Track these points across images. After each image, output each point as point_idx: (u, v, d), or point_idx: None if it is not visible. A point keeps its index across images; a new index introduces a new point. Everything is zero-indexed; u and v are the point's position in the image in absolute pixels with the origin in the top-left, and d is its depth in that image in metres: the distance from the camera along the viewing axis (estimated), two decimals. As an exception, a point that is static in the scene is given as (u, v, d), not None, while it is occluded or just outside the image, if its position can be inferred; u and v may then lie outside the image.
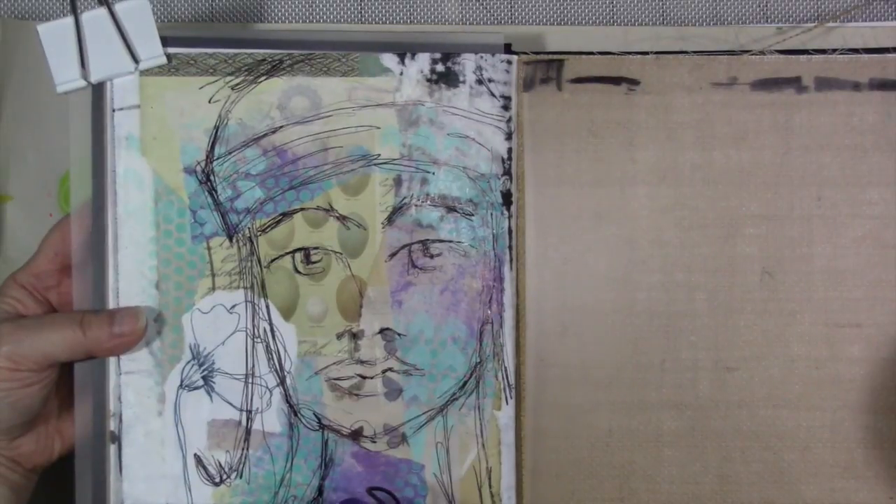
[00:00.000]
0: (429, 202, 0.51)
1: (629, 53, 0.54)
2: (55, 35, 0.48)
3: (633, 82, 0.53)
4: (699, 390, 0.53)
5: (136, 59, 0.49)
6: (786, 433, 0.53)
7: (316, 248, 0.50)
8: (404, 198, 0.51)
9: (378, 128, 0.51)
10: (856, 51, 0.54)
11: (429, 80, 0.51)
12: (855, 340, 0.53)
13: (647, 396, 0.53)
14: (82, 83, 0.48)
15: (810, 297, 0.53)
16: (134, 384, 0.49)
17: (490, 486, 0.51)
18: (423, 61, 0.51)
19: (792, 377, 0.53)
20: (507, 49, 0.52)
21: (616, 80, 0.53)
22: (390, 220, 0.51)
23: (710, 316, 0.53)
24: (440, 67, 0.51)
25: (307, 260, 0.51)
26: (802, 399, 0.53)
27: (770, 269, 0.53)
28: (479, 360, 0.51)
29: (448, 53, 0.52)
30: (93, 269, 0.49)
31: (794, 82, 0.53)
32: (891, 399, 0.53)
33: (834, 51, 0.54)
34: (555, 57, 0.53)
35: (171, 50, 0.50)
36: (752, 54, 0.54)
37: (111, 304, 0.49)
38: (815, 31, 0.55)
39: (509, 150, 0.51)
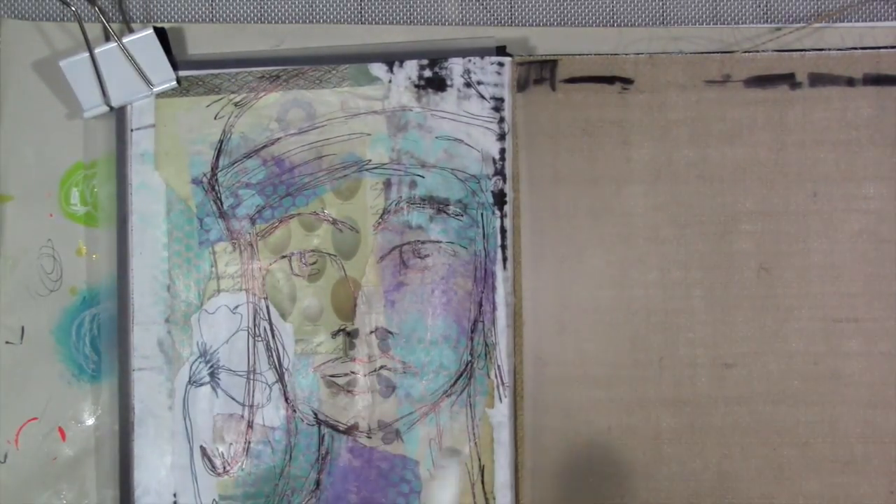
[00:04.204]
0: (418, 204, 0.59)
1: (623, 55, 0.59)
2: (76, 68, 0.58)
3: (627, 81, 0.59)
4: (698, 387, 0.58)
5: (150, 84, 0.59)
6: (785, 429, 0.58)
7: (311, 250, 0.59)
8: (394, 201, 0.58)
9: (369, 134, 0.58)
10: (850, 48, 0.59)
11: (416, 86, 0.58)
12: (853, 335, 0.58)
13: (645, 394, 0.58)
14: (105, 108, 0.59)
15: (807, 292, 0.58)
16: (146, 380, 0.58)
17: (483, 484, 0.57)
18: (410, 68, 0.59)
19: (790, 373, 0.58)
20: (501, 51, 0.59)
21: (610, 80, 0.59)
22: (381, 222, 0.58)
23: (708, 312, 0.58)
24: (427, 73, 0.59)
25: (303, 262, 0.59)
26: (801, 394, 0.58)
27: (767, 265, 0.58)
28: (470, 359, 0.57)
29: (435, 59, 0.59)
30: (118, 273, 0.59)
31: (788, 78, 0.59)
32: (889, 393, 0.58)
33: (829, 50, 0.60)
34: (548, 57, 0.59)
35: (181, 73, 0.59)
36: (745, 52, 0.60)
37: (129, 307, 0.59)
38: (810, 30, 0.60)
39: (501, 151, 0.58)
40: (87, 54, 0.58)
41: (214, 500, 0.58)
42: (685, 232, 0.59)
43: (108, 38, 0.59)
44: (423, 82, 0.59)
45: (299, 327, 0.58)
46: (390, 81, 0.59)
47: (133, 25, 0.61)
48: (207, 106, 0.59)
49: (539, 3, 0.63)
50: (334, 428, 0.58)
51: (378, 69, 0.59)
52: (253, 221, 0.59)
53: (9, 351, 0.60)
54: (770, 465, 0.58)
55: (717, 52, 0.60)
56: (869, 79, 0.59)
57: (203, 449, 0.58)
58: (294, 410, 0.58)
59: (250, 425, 0.58)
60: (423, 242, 0.58)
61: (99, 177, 0.61)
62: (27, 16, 0.63)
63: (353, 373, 0.58)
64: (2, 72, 0.61)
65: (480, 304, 0.58)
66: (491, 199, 0.58)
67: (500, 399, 0.57)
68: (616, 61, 0.60)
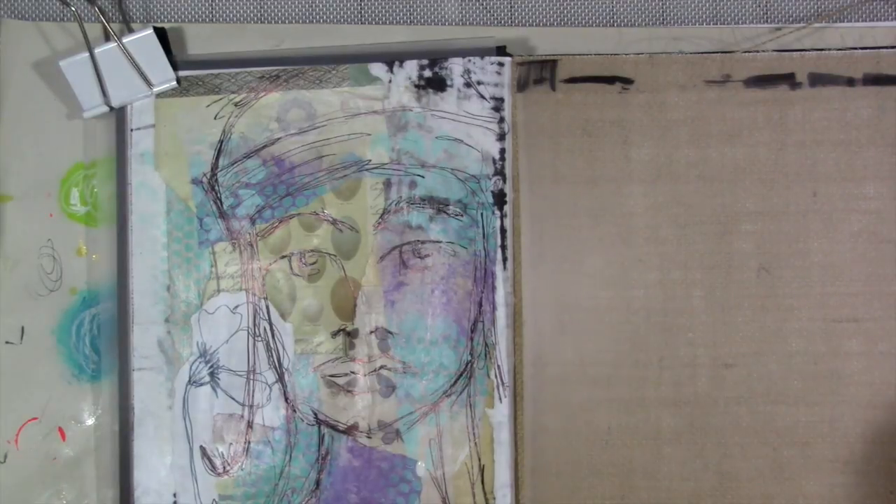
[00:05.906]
0: (418, 204, 0.59)
1: (623, 55, 0.60)
2: (76, 68, 0.59)
3: (627, 81, 0.59)
4: (698, 387, 0.58)
5: (150, 84, 0.59)
6: (785, 429, 0.58)
7: (311, 250, 0.59)
8: (394, 201, 0.58)
9: (368, 134, 0.59)
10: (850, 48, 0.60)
11: (417, 86, 0.59)
12: (853, 335, 0.58)
13: (645, 394, 0.58)
14: (105, 109, 0.59)
15: (807, 292, 0.58)
16: (146, 380, 0.58)
17: (483, 484, 0.57)
18: (410, 68, 0.59)
19: (790, 373, 0.58)
20: (501, 51, 0.59)
21: (610, 80, 0.59)
22: (381, 222, 0.59)
23: (708, 313, 0.59)
24: (427, 73, 0.59)
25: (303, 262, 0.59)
26: (801, 394, 0.58)
27: (767, 265, 0.59)
28: (470, 359, 0.58)
29: (435, 58, 0.59)
30: (118, 273, 0.59)
31: (788, 78, 0.59)
32: (890, 393, 0.58)
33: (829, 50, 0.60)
34: (548, 57, 0.60)
35: (181, 73, 0.60)
36: (745, 52, 0.60)
37: (129, 307, 0.59)
38: (810, 30, 0.61)
39: (501, 151, 0.58)
40: (87, 54, 0.58)
41: (214, 500, 0.58)
42: (685, 232, 0.59)
43: (108, 38, 0.59)
44: (423, 82, 0.59)
45: (299, 327, 0.59)
46: (390, 81, 0.59)
47: (133, 25, 0.61)
48: (207, 106, 0.60)
49: (539, 3, 0.63)
50: (334, 428, 0.58)
51: (378, 69, 0.59)
52: (253, 221, 0.59)
53: (9, 351, 0.60)
54: (770, 466, 0.58)
55: (717, 52, 0.60)
56: (869, 79, 0.59)
57: (203, 449, 0.58)
58: (294, 410, 0.58)
59: (250, 425, 0.58)
60: (423, 242, 0.58)
61: (99, 177, 0.61)
62: (27, 16, 0.63)
63: (353, 373, 0.58)
64: (2, 72, 0.61)
65: (480, 304, 0.58)
66: (491, 199, 0.58)
67: (500, 399, 0.58)
68: (616, 61, 0.60)
